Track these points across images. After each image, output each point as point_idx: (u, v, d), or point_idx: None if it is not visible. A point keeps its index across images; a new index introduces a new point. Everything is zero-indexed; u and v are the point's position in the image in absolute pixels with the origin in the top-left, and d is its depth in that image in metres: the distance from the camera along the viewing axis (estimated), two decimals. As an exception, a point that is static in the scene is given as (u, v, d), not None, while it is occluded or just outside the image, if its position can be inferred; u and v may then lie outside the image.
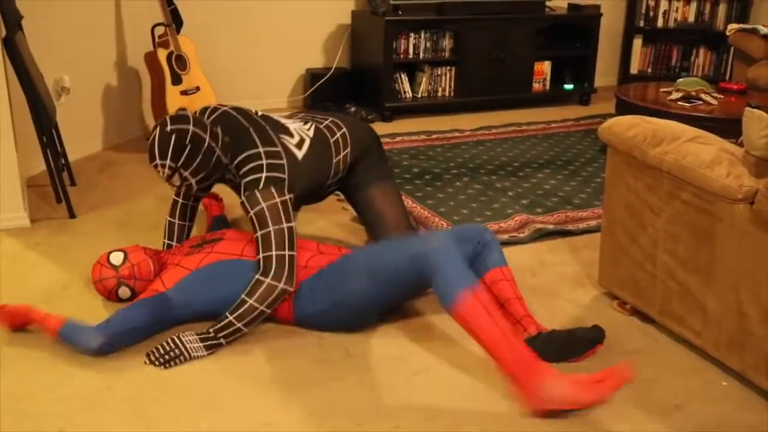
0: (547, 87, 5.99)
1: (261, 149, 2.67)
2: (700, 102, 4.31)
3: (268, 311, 2.52)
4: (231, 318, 2.48)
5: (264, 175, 2.61)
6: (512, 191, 4.03)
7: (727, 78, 5.97)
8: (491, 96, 5.74)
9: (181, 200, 3.00)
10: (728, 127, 3.51)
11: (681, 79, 4.56)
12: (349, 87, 5.64)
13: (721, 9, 6.30)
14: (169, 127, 2.59)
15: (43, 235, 3.41)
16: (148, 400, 2.26)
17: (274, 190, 2.60)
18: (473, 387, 2.35)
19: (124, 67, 4.78)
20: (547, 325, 2.59)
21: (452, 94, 5.66)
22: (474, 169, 4.39)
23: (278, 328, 2.65)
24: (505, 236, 3.43)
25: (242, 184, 2.64)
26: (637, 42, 6.54)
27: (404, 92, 5.55)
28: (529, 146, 4.88)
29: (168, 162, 2.58)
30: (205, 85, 4.65)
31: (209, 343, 2.48)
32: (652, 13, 6.44)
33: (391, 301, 2.63)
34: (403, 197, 3.86)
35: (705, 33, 6.37)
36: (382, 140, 4.76)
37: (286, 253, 2.54)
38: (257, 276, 2.52)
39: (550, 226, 3.54)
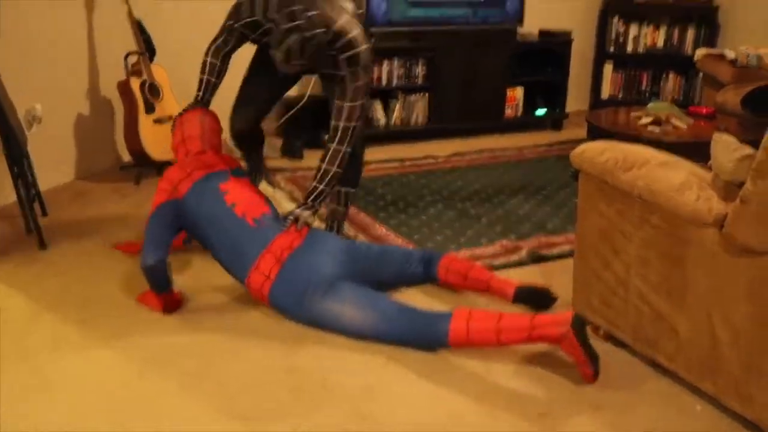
0: (520, 113, 6.04)
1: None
2: (671, 126, 4.36)
3: (341, 171, 3.06)
4: (319, 186, 3.04)
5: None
6: (486, 217, 4.04)
7: (697, 102, 6.05)
8: (464, 122, 5.78)
9: (210, 59, 3.28)
10: (698, 151, 3.52)
11: (651, 104, 4.61)
12: (323, 115, 5.60)
13: (690, 34, 6.41)
14: None
15: (12, 266, 3.37)
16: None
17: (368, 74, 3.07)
18: (456, 417, 2.34)
19: (96, 96, 4.75)
20: (522, 354, 2.61)
21: (425, 120, 5.69)
22: (448, 195, 4.40)
23: (255, 358, 2.63)
24: (479, 263, 3.43)
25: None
26: (608, 67, 6.62)
27: (378, 119, 5.57)
28: (503, 172, 4.91)
29: None
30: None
31: (311, 210, 3.01)
32: (621, 39, 6.53)
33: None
34: (378, 225, 3.86)
35: (674, 58, 6.47)
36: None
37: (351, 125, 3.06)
38: (332, 146, 3.04)
39: (524, 252, 3.56)
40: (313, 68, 3.21)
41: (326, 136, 3.14)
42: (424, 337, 2.64)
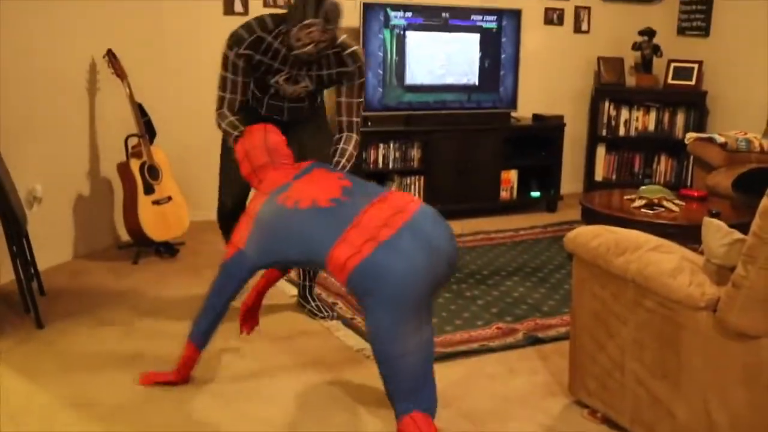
0: (515, 195, 6.11)
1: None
2: (663, 209, 4.42)
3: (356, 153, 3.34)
4: (341, 160, 3.26)
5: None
6: (482, 299, 4.06)
7: (689, 184, 6.14)
8: (460, 204, 5.85)
9: (227, 121, 3.27)
10: (691, 233, 3.59)
11: (643, 187, 4.68)
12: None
13: (680, 118, 6.54)
14: None
15: (9, 345, 3.36)
16: None
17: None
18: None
19: (96, 176, 4.82)
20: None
21: (422, 202, 5.75)
22: (444, 276, 4.42)
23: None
24: (475, 345, 3.44)
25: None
26: (601, 150, 6.73)
27: (374, 200, 5.63)
28: (498, 254, 4.95)
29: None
30: (176, 195, 4.70)
31: None
32: (613, 123, 6.66)
33: None
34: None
35: (665, 141, 6.59)
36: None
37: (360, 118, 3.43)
38: (351, 134, 3.35)
39: (520, 335, 3.57)
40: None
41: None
42: None
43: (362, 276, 2.45)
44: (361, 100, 3.42)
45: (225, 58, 3.19)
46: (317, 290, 4.02)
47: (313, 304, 3.84)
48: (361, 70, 3.37)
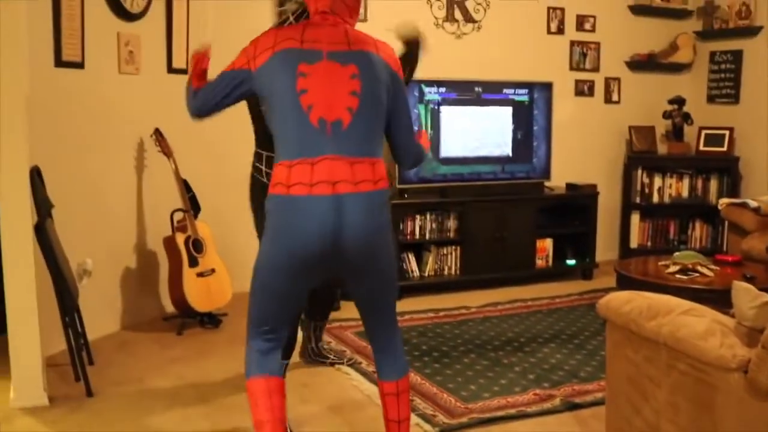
0: (550, 263, 6.18)
1: None
2: (697, 274, 4.46)
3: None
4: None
5: None
6: (519, 366, 4.11)
7: (725, 249, 6.16)
8: (496, 273, 5.92)
9: None
10: (725, 298, 3.59)
11: (677, 253, 4.73)
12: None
13: (713, 184, 6.60)
14: None
15: (61, 414, 3.49)
16: None
17: None
18: None
19: (143, 250, 5.00)
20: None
21: (458, 272, 5.84)
22: (481, 345, 4.49)
23: None
24: (513, 411, 3.49)
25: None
26: (635, 217, 6.79)
27: (412, 271, 5.73)
28: (535, 321, 5.00)
29: None
30: (220, 268, 4.85)
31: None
32: (647, 190, 6.73)
33: None
34: (412, 374, 3.95)
35: (700, 207, 6.64)
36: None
37: None
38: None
39: (557, 400, 3.61)
40: None
41: None
42: None
43: None
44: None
45: None
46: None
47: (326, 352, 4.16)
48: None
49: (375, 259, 2.58)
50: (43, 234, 3.60)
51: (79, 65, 4.37)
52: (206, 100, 2.71)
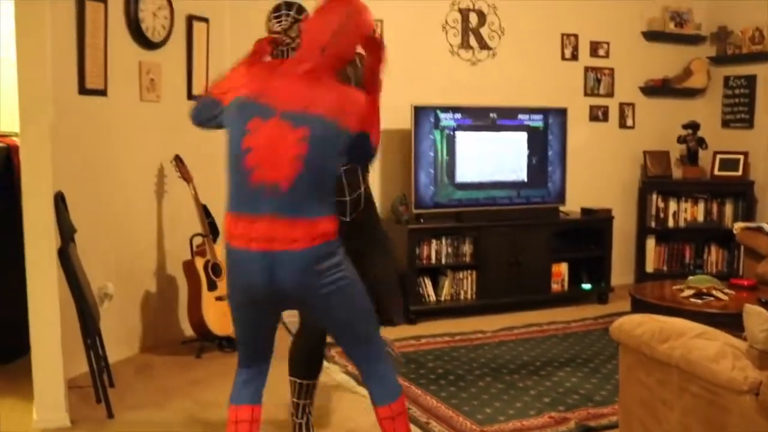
0: (566, 287, 6.20)
1: None
2: (712, 298, 4.48)
3: None
4: None
5: None
6: (534, 390, 4.14)
7: (740, 274, 6.15)
8: (512, 297, 5.94)
9: None
10: (740, 322, 3.64)
11: (692, 277, 4.75)
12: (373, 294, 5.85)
13: (728, 208, 6.62)
14: None
15: (82, 436, 3.55)
16: None
17: None
18: None
19: (163, 274, 5.07)
20: None
21: (474, 296, 5.87)
22: (496, 368, 4.51)
23: None
24: (529, 433, 3.52)
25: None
26: (650, 242, 6.80)
27: (428, 296, 5.77)
28: (550, 345, 5.02)
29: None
30: (238, 291, 4.90)
31: None
32: (662, 215, 6.75)
33: None
34: (428, 397, 3.98)
35: (715, 231, 6.65)
36: (407, 342, 4.94)
37: None
38: None
39: (572, 424, 3.63)
40: None
41: None
42: None
43: None
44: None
45: None
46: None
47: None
48: None
49: (325, 308, 2.65)
50: (67, 258, 3.68)
51: (102, 93, 4.48)
52: (199, 113, 2.83)
